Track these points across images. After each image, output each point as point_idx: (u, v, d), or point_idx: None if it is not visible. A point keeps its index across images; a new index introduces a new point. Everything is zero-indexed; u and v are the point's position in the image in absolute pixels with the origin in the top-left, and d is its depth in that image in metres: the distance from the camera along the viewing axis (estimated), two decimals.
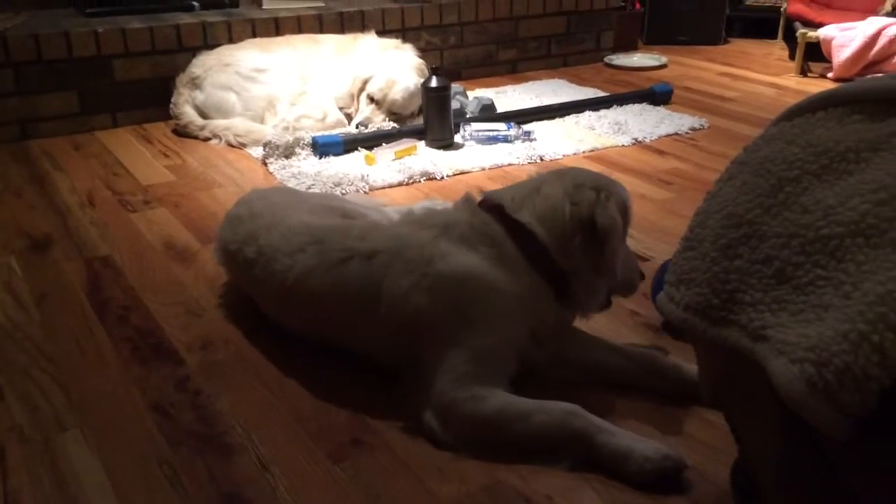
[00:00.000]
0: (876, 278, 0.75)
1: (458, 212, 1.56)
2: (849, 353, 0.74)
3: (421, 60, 3.30)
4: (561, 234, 1.47)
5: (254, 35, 3.43)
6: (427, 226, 1.53)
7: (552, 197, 1.49)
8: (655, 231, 2.27)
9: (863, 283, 0.76)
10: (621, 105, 3.44)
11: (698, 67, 4.30)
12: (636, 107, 3.44)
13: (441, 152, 2.92)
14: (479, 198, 1.59)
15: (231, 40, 3.37)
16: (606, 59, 4.38)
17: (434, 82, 2.90)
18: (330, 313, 1.58)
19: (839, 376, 0.74)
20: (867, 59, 3.83)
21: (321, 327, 1.64)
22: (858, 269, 0.77)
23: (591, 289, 1.53)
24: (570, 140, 3.03)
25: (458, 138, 3.02)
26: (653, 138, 3.08)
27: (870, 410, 0.74)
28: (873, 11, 4.10)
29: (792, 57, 4.29)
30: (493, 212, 1.51)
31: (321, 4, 3.72)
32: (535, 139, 3.02)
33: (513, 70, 4.19)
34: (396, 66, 3.17)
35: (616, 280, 1.53)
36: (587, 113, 3.34)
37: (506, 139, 3.00)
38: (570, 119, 3.29)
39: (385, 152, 2.85)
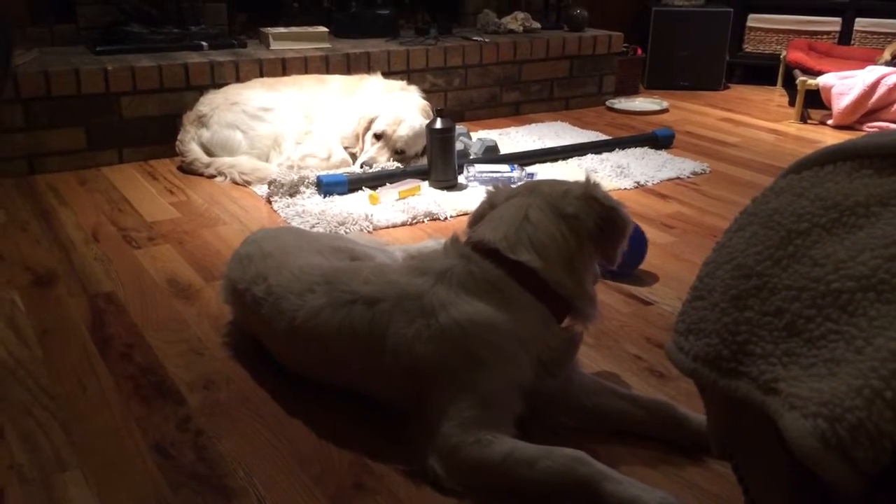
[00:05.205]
0: (888, 334, 0.75)
1: (449, 258, 1.53)
2: (862, 409, 0.74)
3: (426, 102, 3.33)
4: (566, 257, 1.50)
5: (261, 75, 3.47)
6: (421, 273, 1.52)
7: (544, 224, 1.51)
8: (659, 275, 2.27)
9: (875, 338, 0.76)
10: (623, 148, 3.47)
11: (699, 112, 4.35)
12: (638, 150, 3.47)
13: (445, 193, 2.94)
14: (463, 238, 1.58)
15: (238, 79, 3.41)
16: (608, 103, 4.43)
17: (438, 123, 2.93)
18: (336, 354, 1.57)
19: (852, 432, 0.74)
20: (867, 107, 3.87)
21: (327, 368, 1.64)
22: (870, 325, 0.77)
23: (592, 296, 1.55)
24: None
25: (461, 179, 3.05)
26: (655, 182, 3.11)
27: (883, 467, 0.74)
28: (872, 60, 4.16)
29: (791, 103, 4.34)
30: (491, 257, 1.50)
31: (328, 46, 3.78)
32: None
33: (516, 112, 4.23)
34: (402, 107, 3.20)
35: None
36: (589, 156, 3.37)
37: (509, 181, 3.02)
38: (573, 162, 3.32)
39: (389, 192, 2.87)
